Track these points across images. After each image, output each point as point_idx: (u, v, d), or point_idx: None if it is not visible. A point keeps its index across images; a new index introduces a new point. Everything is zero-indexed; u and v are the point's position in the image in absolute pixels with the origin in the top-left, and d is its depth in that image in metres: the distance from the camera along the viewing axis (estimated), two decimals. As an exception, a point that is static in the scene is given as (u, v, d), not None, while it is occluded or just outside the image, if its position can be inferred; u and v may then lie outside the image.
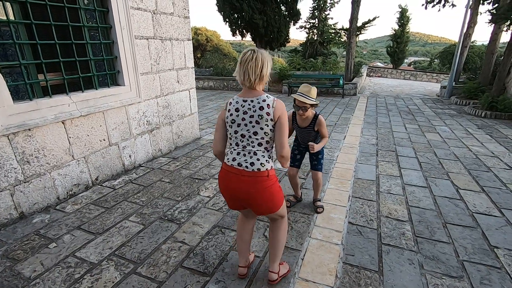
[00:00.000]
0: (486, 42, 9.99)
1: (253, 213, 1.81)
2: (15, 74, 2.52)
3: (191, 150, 4.49)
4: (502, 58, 8.31)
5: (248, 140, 1.57)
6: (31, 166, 2.61)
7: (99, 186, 3.24)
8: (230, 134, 1.63)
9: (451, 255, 2.17)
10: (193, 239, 2.32)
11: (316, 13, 23.88)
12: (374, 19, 12.06)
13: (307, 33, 24.59)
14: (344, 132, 5.55)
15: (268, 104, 1.53)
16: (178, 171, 3.68)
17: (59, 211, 2.73)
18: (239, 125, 1.57)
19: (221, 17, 11.95)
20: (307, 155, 2.77)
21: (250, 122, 1.54)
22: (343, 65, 14.64)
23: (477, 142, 5.03)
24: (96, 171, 3.26)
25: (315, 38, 23.90)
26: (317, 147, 2.43)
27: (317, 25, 23.88)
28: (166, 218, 2.62)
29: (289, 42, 12.59)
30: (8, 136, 2.41)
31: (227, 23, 11.82)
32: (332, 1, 22.89)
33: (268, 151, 1.61)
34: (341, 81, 10.07)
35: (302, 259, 2.10)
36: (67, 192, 2.96)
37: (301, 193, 2.98)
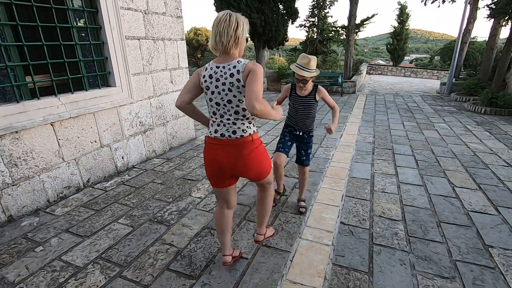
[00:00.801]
0: (487, 38, 9.88)
1: (231, 202, 1.82)
2: (2, 76, 2.50)
3: (186, 151, 4.46)
4: (501, 53, 8.22)
5: (224, 108, 1.54)
6: (19, 169, 2.59)
7: (91, 188, 3.21)
8: (206, 101, 1.61)
9: (444, 255, 2.13)
10: (181, 241, 2.29)
11: (316, 12, 23.77)
12: (372, 16, 11.97)
13: (306, 31, 24.48)
14: (341, 130, 5.50)
15: (238, 70, 1.45)
16: (171, 172, 3.66)
17: (48, 214, 2.71)
18: (212, 92, 1.53)
19: (219, 17, 11.88)
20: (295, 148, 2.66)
21: (223, 90, 1.50)
22: (343, 63, 14.58)
23: (475, 139, 4.96)
24: (87, 173, 3.24)
25: (315, 37, 23.80)
26: (334, 128, 2.33)
27: (316, 23, 23.77)
28: (155, 220, 2.59)
29: (287, 41, 12.53)
30: (-6, 139, 2.39)
31: (225, 23, 11.75)
32: (331, -1, 22.77)
33: (246, 118, 1.58)
34: (339, 79, 10.01)
35: (291, 261, 2.06)
36: (57, 195, 2.94)
37: (284, 185, 2.90)
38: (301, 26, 24.74)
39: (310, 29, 24.66)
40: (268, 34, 11.57)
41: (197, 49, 26.73)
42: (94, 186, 3.27)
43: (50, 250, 2.20)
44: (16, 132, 2.53)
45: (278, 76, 13.28)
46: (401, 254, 2.13)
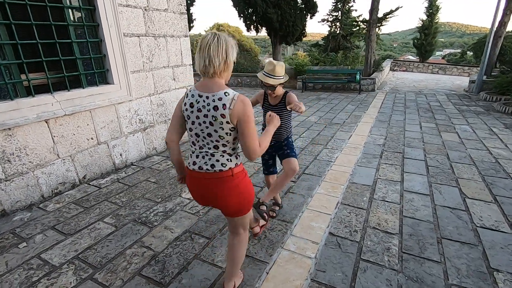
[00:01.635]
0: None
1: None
2: (-4, 74, 2.56)
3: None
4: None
5: (203, 140, 1.42)
6: (12, 164, 2.65)
7: (86, 185, 3.26)
8: (187, 129, 1.49)
9: (439, 277, 1.91)
10: (159, 245, 2.24)
11: (339, 5, 23.01)
12: (396, 9, 11.28)
13: (329, 26, 23.81)
14: (351, 131, 5.23)
15: (224, 104, 1.31)
16: (167, 170, 3.63)
17: (40, 210, 2.77)
18: (193, 122, 1.40)
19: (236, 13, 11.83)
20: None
21: (204, 122, 1.36)
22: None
23: (500, 143, 4.51)
24: (83, 170, 3.28)
25: (338, 32, 23.07)
26: (299, 105, 2.09)
27: (340, 17, 23.01)
28: (139, 220, 2.56)
29: (305, 36, 12.17)
30: (-14, 136, 2.46)
31: (242, 18, 11.66)
32: (356, -8, 21.87)
33: (227, 153, 1.44)
34: (357, 77, 9.59)
35: (267, 273, 1.94)
36: (52, 191, 3.00)
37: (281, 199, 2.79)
38: (323, 21, 24.08)
39: (333, 24, 23.96)
40: (285, 30, 11.32)
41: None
42: (90, 183, 3.31)
43: (32, 247, 2.23)
44: (9, 129, 2.59)
45: (296, 72, 12.98)
46: (390, 273, 1.94)
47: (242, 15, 11.55)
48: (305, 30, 11.93)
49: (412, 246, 2.20)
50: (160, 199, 2.92)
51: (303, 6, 11.33)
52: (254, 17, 11.36)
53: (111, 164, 3.60)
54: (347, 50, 21.41)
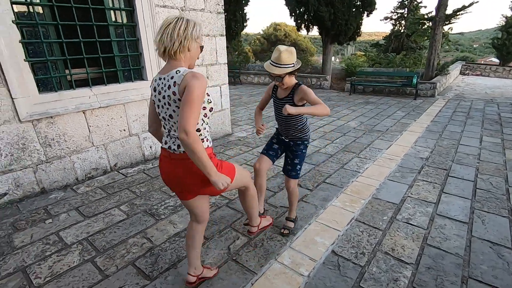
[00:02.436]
0: None
1: (198, 216, 1.69)
2: (44, 68, 2.92)
3: (215, 146, 4.52)
4: None
5: (169, 123, 1.44)
6: (52, 149, 3.01)
7: (116, 172, 3.54)
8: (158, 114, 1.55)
9: (451, 324, 1.60)
10: (159, 238, 2.31)
11: (406, 2, 21.14)
12: (470, 5, 9.81)
13: (393, 24, 22.10)
14: (392, 140, 4.75)
15: (174, 82, 1.30)
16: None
17: (72, 191, 3.09)
18: (158, 106, 1.44)
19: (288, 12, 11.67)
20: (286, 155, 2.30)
21: (164, 104, 1.38)
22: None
23: None
24: (115, 158, 3.57)
25: (402, 30, 21.25)
26: (291, 109, 1.73)
27: (406, 15, 21.16)
28: (149, 212, 2.68)
29: (360, 35, 11.43)
30: (32, 122, 2.82)
31: (293, 17, 11.46)
32: (425, -13, 19.85)
33: None
34: (414, 80, 8.67)
35: (252, 284, 1.86)
36: (85, 175, 3.32)
37: (264, 208, 2.57)
38: (386, 19, 22.44)
39: (397, 22, 22.14)
40: (337, 28, 10.78)
41: (275, 44, 26.95)
42: (120, 171, 3.59)
43: (55, 224, 2.50)
44: (51, 117, 2.94)
45: (347, 73, 12.31)
46: (389, 309, 1.69)
47: (293, 14, 11.35)
48: (360, 29, 11.20)
49: (427, 282, 1.89)
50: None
51: (359, 3, 10.65)
52: (305, 15, 11.07)
53: (141, 155, 3.85)
54: (411, 50, 19.60)
